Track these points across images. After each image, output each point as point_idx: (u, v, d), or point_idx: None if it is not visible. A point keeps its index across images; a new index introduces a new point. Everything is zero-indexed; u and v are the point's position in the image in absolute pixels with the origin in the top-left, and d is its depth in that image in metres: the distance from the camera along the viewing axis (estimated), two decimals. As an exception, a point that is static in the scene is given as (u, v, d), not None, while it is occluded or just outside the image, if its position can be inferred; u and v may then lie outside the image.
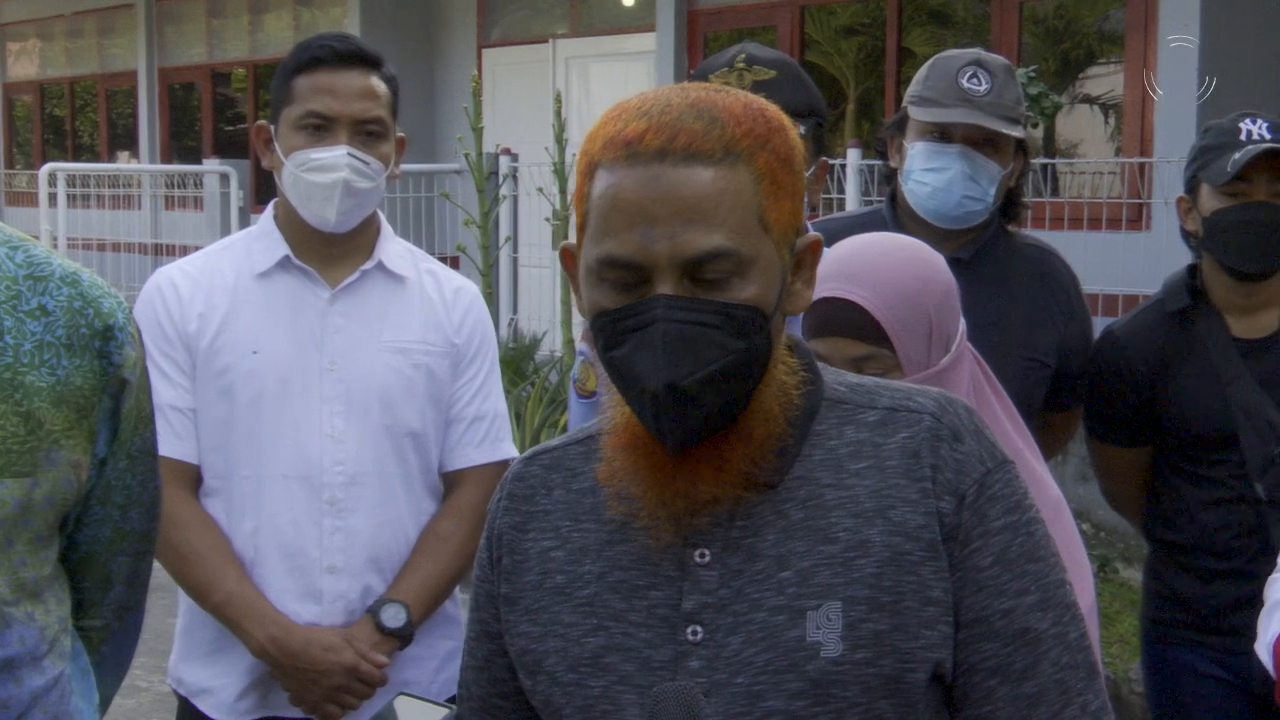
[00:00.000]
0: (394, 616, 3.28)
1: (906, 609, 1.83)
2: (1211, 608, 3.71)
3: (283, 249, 3.33)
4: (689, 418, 1.81)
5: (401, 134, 3.41)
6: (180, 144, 19.82)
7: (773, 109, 1.89)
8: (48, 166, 13.02)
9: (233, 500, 3.30)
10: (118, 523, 2.36)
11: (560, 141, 9.64)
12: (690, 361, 1.78)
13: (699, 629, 1.86)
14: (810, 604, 1.83)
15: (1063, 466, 7.59)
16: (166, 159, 19.49)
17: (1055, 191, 10.14)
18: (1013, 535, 1.88)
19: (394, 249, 3.43)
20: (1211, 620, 3.71)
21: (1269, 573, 3.18)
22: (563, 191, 9.70)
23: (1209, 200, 3.66)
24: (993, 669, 1.87)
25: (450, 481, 3.44)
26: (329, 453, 3.28)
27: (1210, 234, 3.66)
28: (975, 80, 3.57)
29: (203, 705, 3.37)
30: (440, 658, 3.45)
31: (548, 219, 10.06)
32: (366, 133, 3.27)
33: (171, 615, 3.49)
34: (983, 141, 3.57)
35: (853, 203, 9.24)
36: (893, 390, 1.97)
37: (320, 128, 3.24)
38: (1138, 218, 8.99)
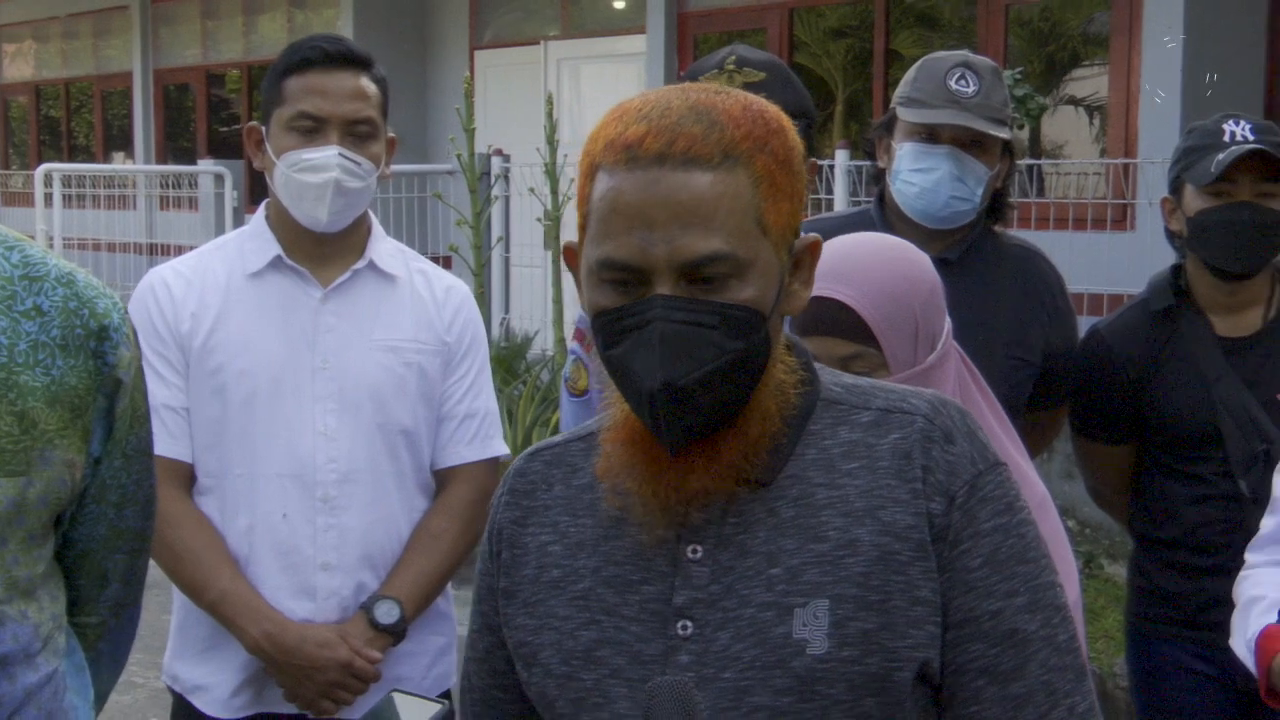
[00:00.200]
0: (387, 613, 3.29)
1: (894, 608, 1.84)
2: (1196, 603, 3.72)
3: (275, 249, 3.34)
4: (686, 417, 1.82)
5: (392, 134, 3.41)
6: (175, 145, 19.78)
7: (772, 110, 1.89)
8: (43, 167, 13.02)
9: (226, 498, 3.31)
10: (113, 521, 2.36)
11: (552, 142, 9.64)
12: (687, 361, 1.79)
13: (689, 624, 1.87)
14: (798, 601, 1.84)
15: (1048, 464, 7.60)
16: (161, 159, 19.44)
17: (1041, 192, 10.15)
18: (1003, 537, 1.89)
19: (385, 248, 3.44)
20: (1196, 616, 3.72)
21: (1253, 569, 3.23)
22: (554, 192, 9.71)
23: (1193, 200, 3.68)
24: (980, 669, 1.87)
25: (442, 479, 3.45)
26: (322, 451, 3.29)
27: (1194, 234, 3.68)
28: (963, 82, 3.57)
29: (198, 702, 3.37)
30: (433, 654, 3.47)
31: (539, 219, 10.06)
32: (357, 133, 3.28)
33: (166, 612, 3.49)
34: (970, 142, 3.57)
35: (841, 203, 9.24)
36: (888, 392, 1.98)
37: (311, 128, 3.25)
38: (1122, 218, 9.00)
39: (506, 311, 11.74)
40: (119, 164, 20.10)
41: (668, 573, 1.90)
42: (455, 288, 3.50)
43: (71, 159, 20.84)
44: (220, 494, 3.32)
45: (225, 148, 16.97)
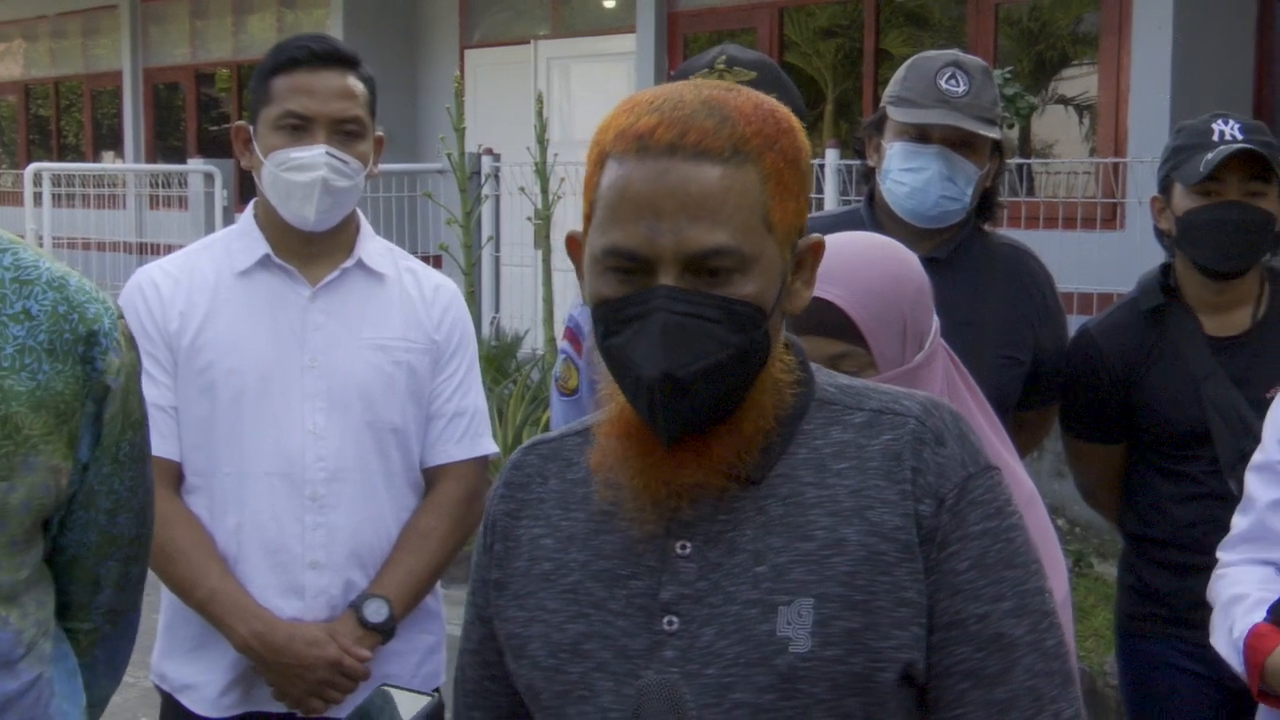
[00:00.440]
0: (376, 611, 3.29)
1: (879, 608, 1.84)
2: (1185, 602, 3.71)
3: (263, 247, 3.34)
4: (683, 408, 1.82)
5: (380, 133, 3.42)
6: (165, 144, 19.76)
7: (783, 110, 1.90)
8: (33, 166, 13.03)
9: (215, 497, 3.31)
10: (105, 527, 2.35)
11: (542, 141, 9.65)
12: (687, 353, 1.79)
13: (675, 619, 1.88)
14: (782, 599, 1.84)
15: (1038, 462, 7.61)
16: (151, 159, 19.42)
17: (1030, 191, 10.15)
18: (991, 541, 1.89)
19: (373, 247, 3.45)
20: (1185, 614, 3.71)
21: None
22: (544, 191, 9.72)
23: (1182, 200, 3.68)
24: (965, 673, 1.87)
25: (431, 477, 3.45)
26: (310, 449, 3.29)
27: (1183, 233, 3.68)
28: (953, 81, 3.57)
29: (186, 701, 3.37)
30: (422, 652, 3.47)
31: (529, 218, 10.07)
32: (344, 132, 3.28)
33: (155, 611, 3.49)
34: (960, 142, 3.57)
35: (831, 202, 9.25)
36: (881, 393, 1.98)
37: (298, 127, 3.26)
38: (1112, 217, 9.01)
39: (496, 311, 11.74)
40: (108, 163, 20.08)
41: (656, 568, 1.91)
42: (444, 286, 3.50)
43: (61, 158, 20.82)
44: (209, 493, 3.31)
45: (215, 147, 16.95)
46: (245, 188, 13.20)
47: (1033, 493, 2.70)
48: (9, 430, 2.14)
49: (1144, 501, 3.86)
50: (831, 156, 9.44)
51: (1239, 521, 3.30)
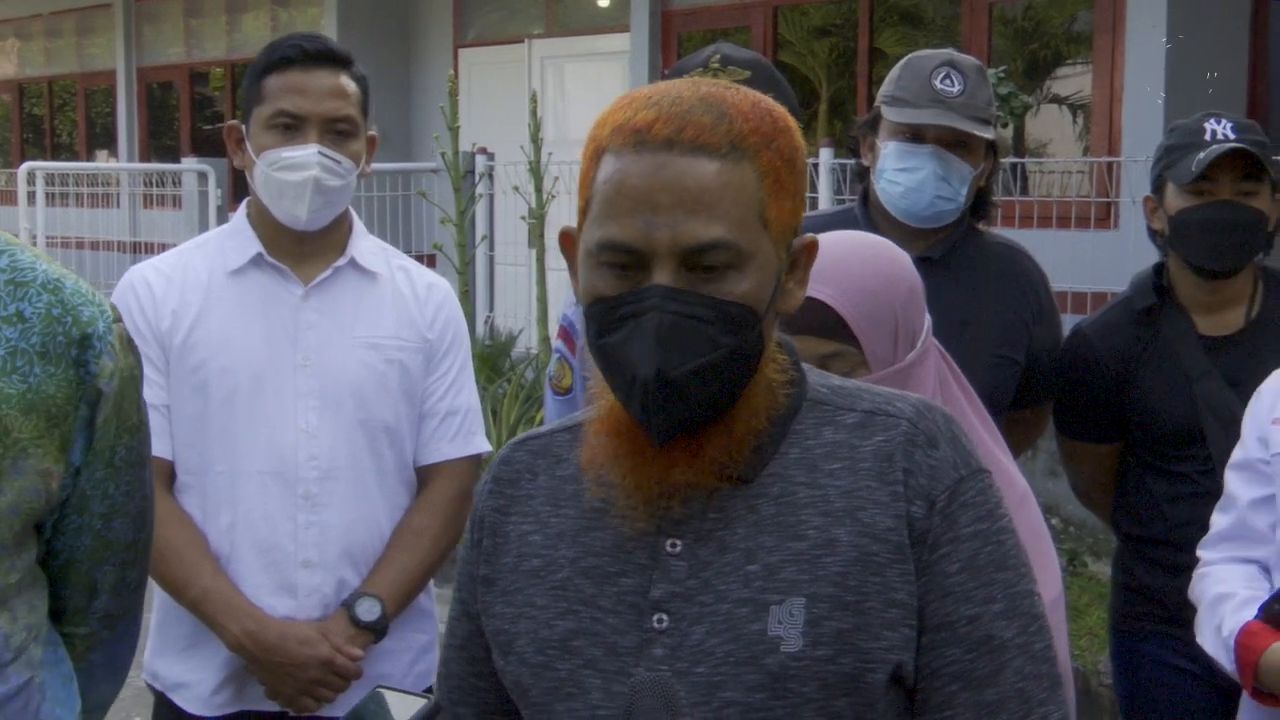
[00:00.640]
0: (369, 610, 3.29)
1: (870, 609, 1.84)
2: (1178, 601, 3.70)
3: (255, 246, 3.35)
4: (675, 408, 1.82)
5: (373, 132, 3.42)
6: (159, 143, 19.74)
7: (780, 110, 1.91)
8: (26, 165, 13.02)
9: (207, 496, 3.31)
10: (100, 532, 2.33)
11: (536, 140, 9.64)
12: (681, 353, 1.79)
13: (665, 617, 1.88)
14: (774, 598, 1.84)
15: (1032, 462, 7.62)
16: (145, 158, 19.40)
17: (1024, 190, 10.15)
18: (982, 543, 1.89)
19: (366, 246, 3.45)
20: (1178, 613, 3.71)
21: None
22: (538, 190, 9.71)
23: (1174, 199, 3.69)
24: (955, 675, 1.87)
25: (424, 476, 3.45)
26: (303, 448, 3.29)
27: (1176, 233, 3.69)
28: (948, 81, 3.58)
29: (179, 699, 3.37)
30: (415, 651, 3.47)
31: (523, 217, 10.06)
32: (337, 131, 3.28)
33: (147, 610, 3.49)
34: (955, 142, 3.58)
35: (825, 201, 9.24)
36: (874, 394, 1.98)
37: (290, 127, 3.26)
38: (1106, 216, 9.00)
39: (491, 310, 11.73)
40: (102, 162, 20.07)
41: (646, 565, 1.91)
42: (437, 285, 3.51)
43: (55, 157, 20.78)
44: (201, 491, 3.32)
45: (209, 146, 16.95)
46: (239, 187, 13.20)
47: (1026, 491, 2.70)
48: None
49: (1138, 501, 3.87)
50: (825, 155, 9.44)
51: (1219, 520, 3.31)
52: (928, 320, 2.64)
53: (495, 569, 2.03)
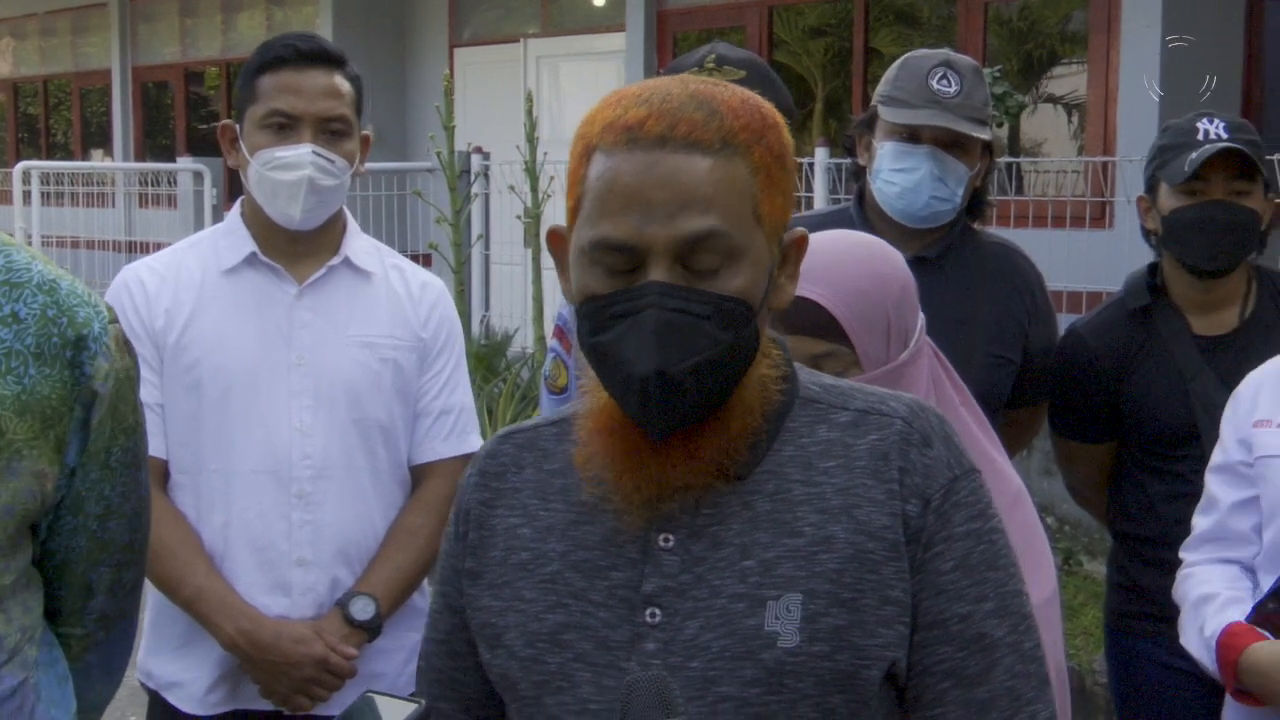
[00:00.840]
0: (363, 609, 3.29)
1: (865, 606, 1.85)
2: (1173, 600, 3.74)
3: (249, 245, 3.35)
4: (674, 406, 1.82)
5: (367, 131, 3.42)
6: (154, 142, 19.73)
7: (768, 106, 1.91)
8: (22, 164, 13.01)
9: (201, 495, 3.31)
10: (95, 533, 2.32)
11: (531, 140, 9.63)
12: (680, 350, 1.79)
13: (657, 611, 1.88)
14: (771, 594, 1.84)
15: (1027, 461, 7.62)
16: (140, 157, 19.38)
17: (1019, 190, 10.16)
18: (975, 542, 1.90)
19: (360, 245, 3.45)
20: (1173, 612, 3.72)
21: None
22: (534, 190, 9.70)
23: (1168, 199, 3.69)
24: (946, 672, 1.88)
25: (418, 474, 3.45)
26: (297, 447, 3.29)
27: (1169, 232, 3.69)
28: (945, 82, 3.58)
29: (173, 698, 3.37)
30: (409, 650, 3.44)
31: (519, 217, 10.05)
32: (330, 131, 3.29)
33: (141, 609, 3.49)
34: (951, 143, 3.59)
35: (820, 201, 9.24)
36: (866, 393, 1.98)
37: (284, 126, 3.26)
38: (1101, 216, 9.01)
39: (486, 309, 11.73)
40: (97, 161, 20.06)
41: (638, 560, 1.91)
42: (431, 284, 3.51)
43: (50, 157, 20.76)
44: (195, 490, 3.31)
45: (204, 145, 16.93)
46: (234, 186, 13.19)
47: (1020, 490, 2.71)
48: None
49: (1133, 500, 3.87)
50: (821, 155, 9.44)
51: (1200, 522, 3.32)
52: (921, 319, 2.63)
53: (482, 562, 2.03)
